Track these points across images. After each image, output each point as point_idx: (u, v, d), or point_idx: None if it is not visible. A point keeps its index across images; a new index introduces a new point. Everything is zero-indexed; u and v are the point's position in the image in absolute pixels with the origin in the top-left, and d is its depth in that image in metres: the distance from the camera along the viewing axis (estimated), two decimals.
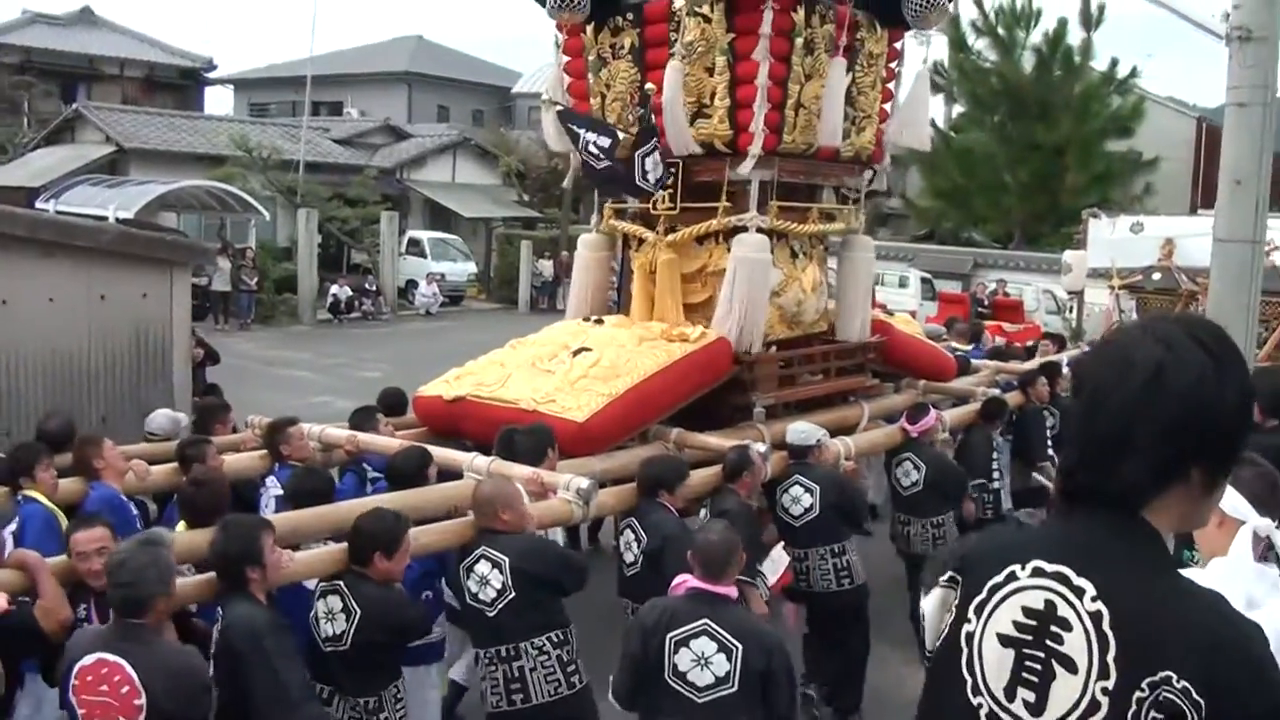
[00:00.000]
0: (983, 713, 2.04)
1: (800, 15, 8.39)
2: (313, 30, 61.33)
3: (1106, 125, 32.51)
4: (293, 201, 30.53)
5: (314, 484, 6.49)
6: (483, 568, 5.68)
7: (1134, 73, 33.22)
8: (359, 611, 5.24)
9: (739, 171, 8.53)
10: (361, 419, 7.98)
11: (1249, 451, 4.35)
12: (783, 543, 7.31)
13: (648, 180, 8.41)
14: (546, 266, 34.71)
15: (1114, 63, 32.83)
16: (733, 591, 5.13)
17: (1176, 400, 1.93)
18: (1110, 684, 1.89)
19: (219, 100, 51.47)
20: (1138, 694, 1.86)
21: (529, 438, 6.99)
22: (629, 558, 6.80)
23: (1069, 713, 1.93)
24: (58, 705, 4.64)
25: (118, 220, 19.49)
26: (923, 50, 11.09)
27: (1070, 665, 1.94)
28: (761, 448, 7.62)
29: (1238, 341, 7.81)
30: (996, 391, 10.62)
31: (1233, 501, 3.37)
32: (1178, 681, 1.83)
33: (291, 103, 43.30)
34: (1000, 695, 2.02)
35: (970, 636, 2.08)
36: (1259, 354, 13.13)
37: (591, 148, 8.33)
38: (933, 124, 21.70)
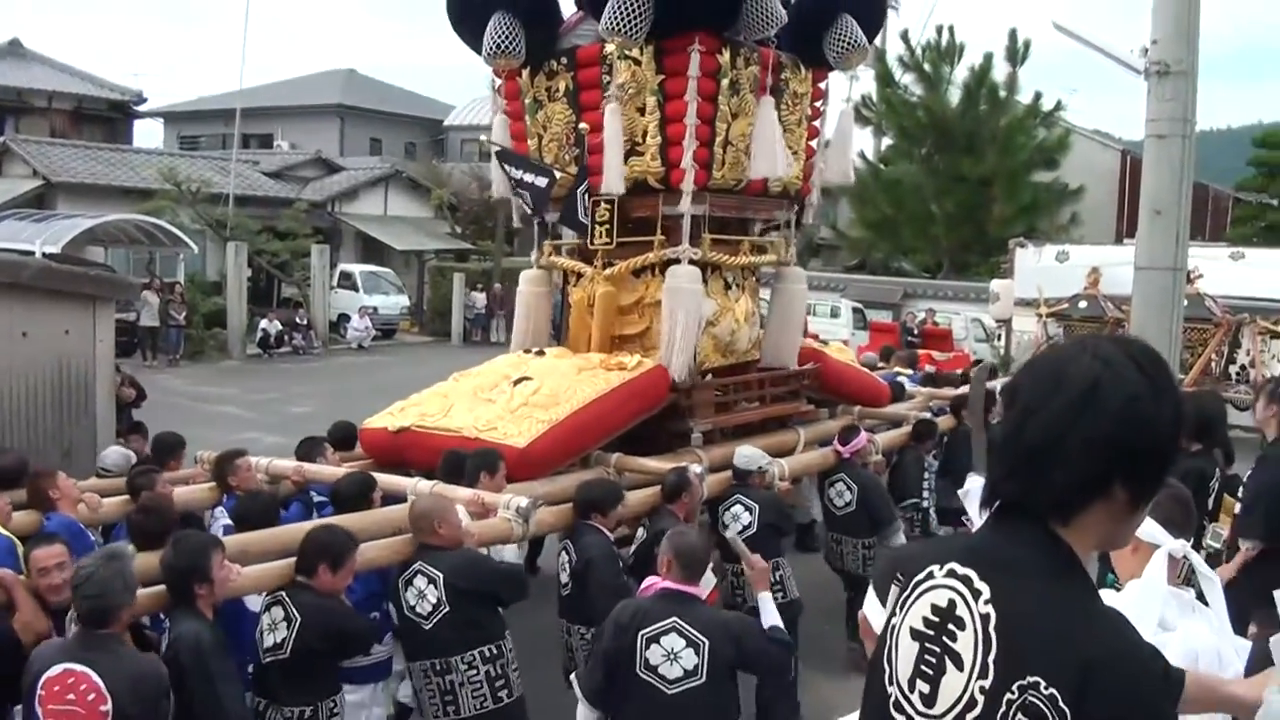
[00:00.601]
0: (890, 702, 2.11)
1: (725, 57, 8.65)
2: (243, 62, 61.11)
3: (1032, 157, 33.09)
4: (222, 235, 30.24)
5: (258, 507, 6.60)
6: (420, 582, 5.85)
7: (1059, 106, 33.90)
8: (299, 619, 5.35)
9: (673, 207, 8.77)
10: (309, 449, 8.13)
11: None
12: (712, 565, 7.47)
13: (588, 215, 8.78)
14: (480, 298, 34.63)
15: (1038, 96, 33.49)
16: (701, 592, 5.40)
17: (1110, 416, 1.97)
18: (987, 684, 1.94)
19: (148, 133, 51.03)
20: (1008, 695, 1.91)
21: (473, 460, 7.17)
22: (564, 578, 6.98)
23: (952, 707, 1.99)
24: None
25: (44, 255, 19.19)
26: (848, 87, 11.43)
27: (959, 662, 2.00)
28: (698, 469, 7.81)
29: None
30: (927, 415, 10.90)
31: (1146, 526, 3.37)
32: (1045, 688, 1.87)
33: (221, 135, 43.04)
34: (904, 685, 2.09)
35: (893, 629, 2.16)
36: (1184, 379, 13.38)
37: (527, 187, 8.63)
38: (862, 156, 22.04)
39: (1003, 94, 33.01)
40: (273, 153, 42.04)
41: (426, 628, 5.84)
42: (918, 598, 2.12)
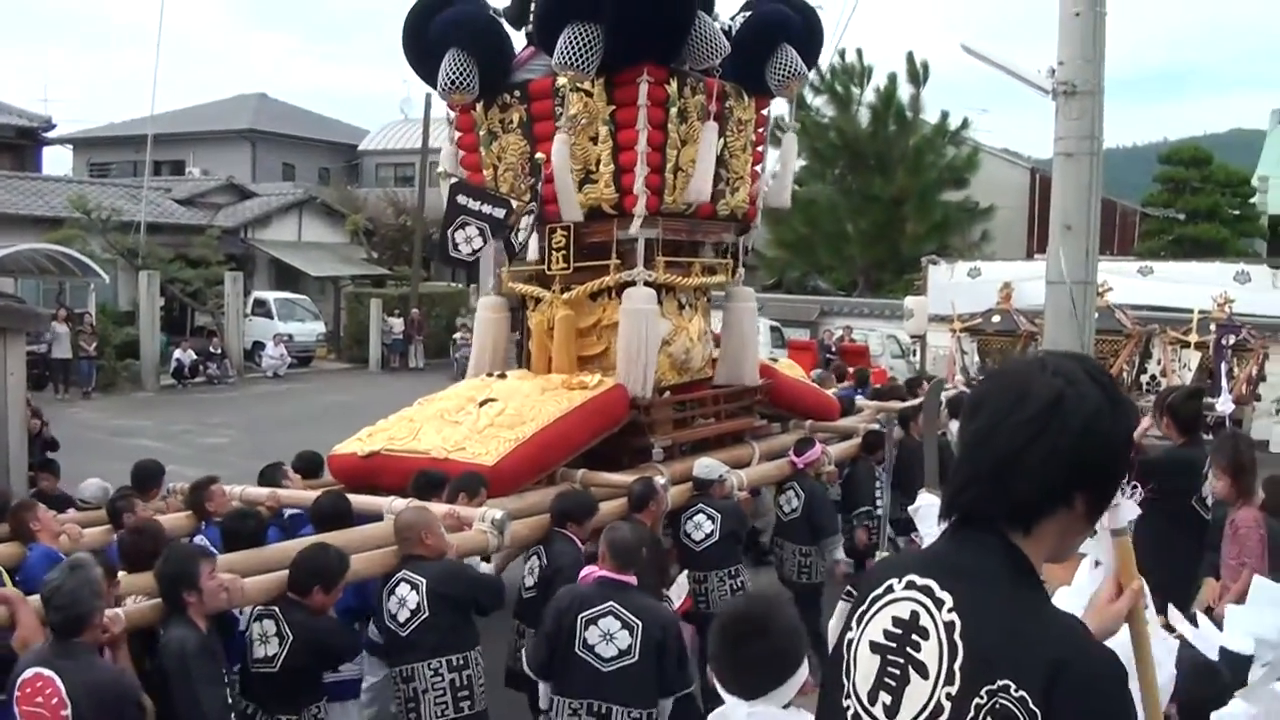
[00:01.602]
0: (849, 715, 2.14)
1: (673, 87, 8.98)
2: (154, 88, 60.23)
3: (941, 176, 33.63)
4: (134, 264, 29.82)
5: (248, 528, 6.75)
6: (402, 590, 6.08)
7: (965, 124, 34.45)
8: (291, 637, 5.62)
9: (627, 231, 9.09)
10: (271, 475, 8.32)
11: None
12: (685, 570, 7.80)
13: (516, 239, 8.97)
14: (397, 324, 34.35)
15: (944, 116, 34.04)
16: (634, 580, 5.86)
17: (1072, 431, 2.05)
18: (954, 690, 1.99)
19: (58, 160, 50.01)
20: (976, 700, 1.95)
21: (455, 484, 7.37)
22: (529, 581, 7.19)
23: (917, 715, 2.02)
24: None
25: None
26: (790, 114, 11.77)
27: (923, 671, 2.03)
28: (662, 480, 8.09)
29: None
30: (876, 425, 11.16)
31: None
32: (1016, 690, 1.92)
33: (132, 162, 42.37)
34: (865, 699, 2.12)
35: (850, 644, 2.19)
36: None
37: (485, 218, 8.84)
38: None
39: (909, 115, 33.50)
40: (184, 179, 41.48)
41: (403, 635, 6.04)
42: (877, 612, 2.16)
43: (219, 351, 30.33)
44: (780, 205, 11.44)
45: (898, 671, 2.08)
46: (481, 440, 8.11)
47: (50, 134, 40.06)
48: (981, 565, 2.09)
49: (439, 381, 30.68)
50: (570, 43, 8.45)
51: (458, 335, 33.35)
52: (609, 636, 5.67)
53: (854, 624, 2.20)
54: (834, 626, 2.38)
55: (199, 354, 29.71)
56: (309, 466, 9.06)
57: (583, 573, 6.11)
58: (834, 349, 25.67)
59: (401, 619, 6.05)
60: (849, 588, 2.26)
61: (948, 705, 1.99)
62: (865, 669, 2.14)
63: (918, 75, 33.21)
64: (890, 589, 2.15)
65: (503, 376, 9.36)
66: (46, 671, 4.58)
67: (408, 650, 6.04)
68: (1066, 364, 2.16)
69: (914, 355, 23.86)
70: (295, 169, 49.30)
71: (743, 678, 3.20)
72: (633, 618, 5.68)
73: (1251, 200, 36.87)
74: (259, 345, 32.34)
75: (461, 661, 6.06)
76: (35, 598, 5.19)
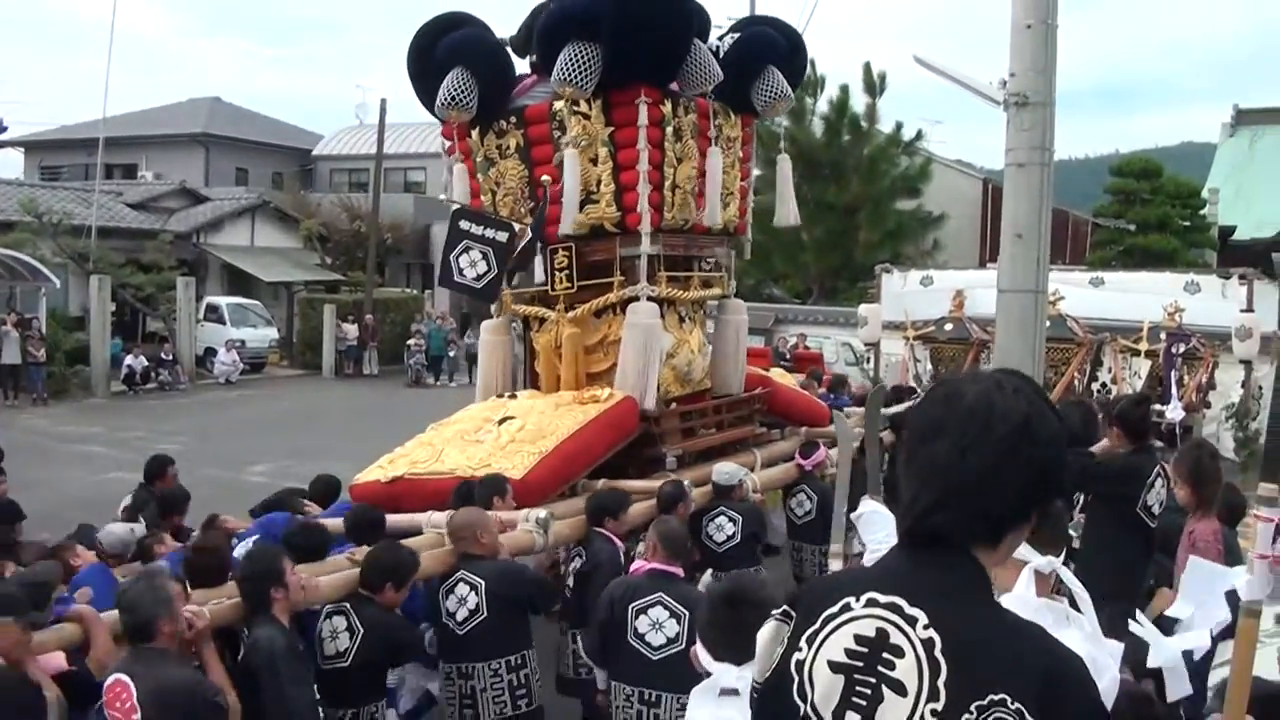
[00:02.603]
0: None
1: (668, 107, 9.25)
2: (106, 91, 59.79)
3: (895, 185, 33.81)
4: (85, 268, 29.54)
5: (313, 541, 6.74)
6: (461, 589, 6.38)
7: (919, 135, 34.65)
8: (362, 631, 5.93)
9: (631, 248, 9.33)
10: (289, 500, 8.33)
11: None
12: (710, 570, 7.99)
13: (531, 269, 9.40)
14: (351, 330, 34.18)
15: (899, 126, 34.19)
16: (681, 571, 6.30)
17: (1040, 449, 2.13)
18: (940, 705, 2.00)
19: (8, 163, 49.63)
20: (965, 716, 1.98)
21: (482, 487, 7.57)
22: (570, 582, 7.55)
23: None
24: None
25: None
26: (782, 136, 12.08)
27: (900, 689, 2.05)
28: (687, 483, 8.35)
29: None
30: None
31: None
32: (1012, 703, 1.96)
33: (84, 165, 41.99)
34: (828, 718, 2.12)
35: (801, 664, 2.18)
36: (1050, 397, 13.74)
37: (489, 243, 9.02)
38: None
39: (863, 125, 33.69)
40: (137, 183, 41.05)
41: (460, 633, 6.35)
42: (834, 631, 2.16)
43: (171, 358, 30.08)
44: (785, 224, 12.03)
45: (868, 690, 2.08)
46: (506, 456, 8.30)
47: (1, 137, 39.64)
48: (947, 581, 2.13)
49: (392, 388, 30.83)
50: (570, 61, 8.69)
51: (412, 341, 33.26)
52: (658, 625, 5.99)
53: (804, 644, 2.19)
54: (765, 647, 2.32)
55: (150, 360, 29.42)
56: (326, 491, 8.91)
57: (634, 565, 6.50)
58: (788, 356, 25.73)
59: (460, 617, 6.33)
60: (784, 607, 2.23)
61: None
62: (826, 689, 2.13)
63: (874, 85, 33.36)
64: (847, 607, 2.16)
65: (513, 397, 9.57)
66: (123, 676, 4.74)
67: (465, 648, 6.34)
68: (1021, 384, 2.23)
69: (868, 362, 23.93)
70: (249, 173, 48.98)
71: (735, 641, 3.39)
72: (680, 607, 5.96)
73: (1202, 212, 37.25)
74: (211, 351, 32.13)
75: (520, 661, 6.42)
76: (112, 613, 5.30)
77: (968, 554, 2.15)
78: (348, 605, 6.00)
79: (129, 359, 28.81)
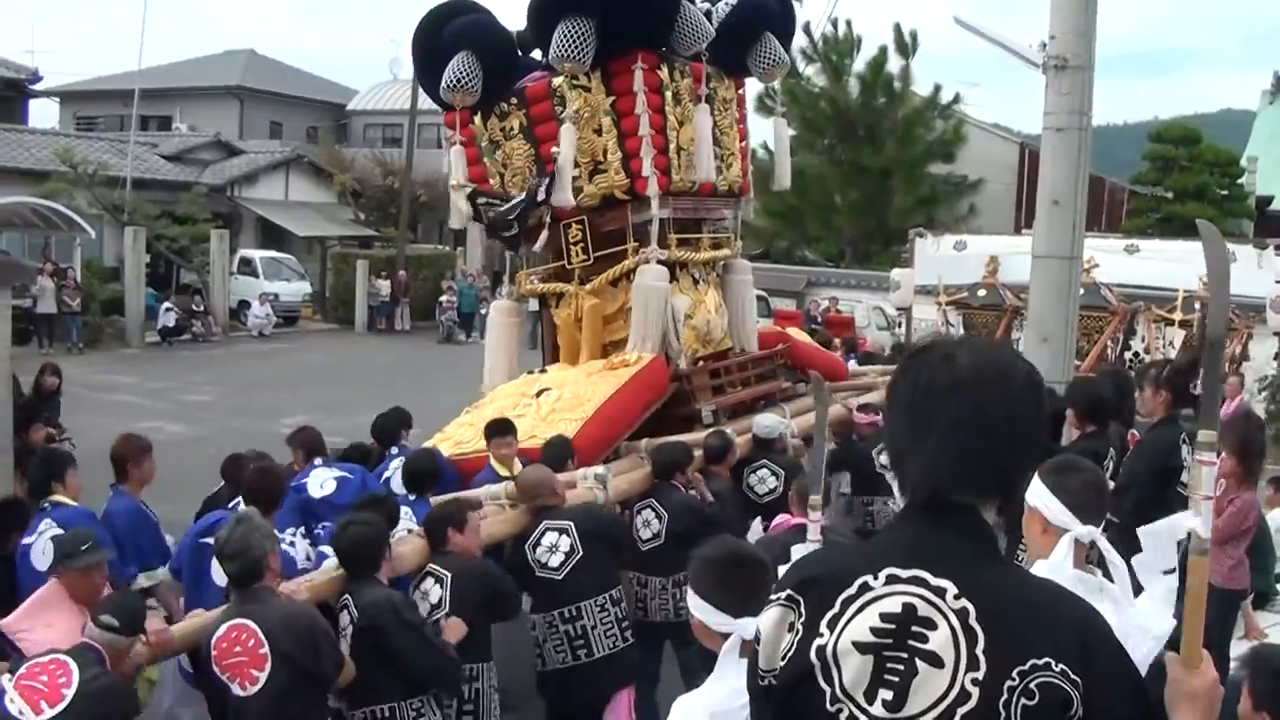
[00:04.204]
0: (843, 717, 2.09)
1: (665, 72, 9.35)
2: (141, 41, 59.47)
3: (930, 149, 33.62)
4: (120, 220, 29.66)
5: (430, 465, 7.34)
6: (549, 538, 6.54)
7: (957, 99, 34.38)
8: (449, 575, 5.91)
9: (642, 214, 9.38)
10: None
11: (1075, 456, 4.57)
12: (758, 518, 7.96)
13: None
14: (384, 286, 34.29)
15: (936, 89, 33.98)
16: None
17: (1043, 403, 2.20)
18: (980, 674, 1.99)
19: (44, 113, 49.57)
20: (1008, 682, 1.98)
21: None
22: (646, 534, 7.59)
23: (934, 705, 2.02)
24: None
25: None
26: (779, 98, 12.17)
27: (936, 661, 2.03)
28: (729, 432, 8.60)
29: (1059, 353, 8.16)
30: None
31: (1055, 511, 3.54)
32: (1056, 665, 1.97)
33: (119, 117, 42.07)
34: (861, 699, 2.08)
35: (823, 650, 2.12)
36: (1080, 366, 13.66)
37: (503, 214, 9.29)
38: (765, 147, 22.21)
39: (898, 86, 33.46)
40: (171, 135, 41.05)
41: (559, 578, 6.46)
42: (856, 613, 2.11)
43: (204, 310, 30.25)
44: (780, 187, 12.04)
45: (900, 666, 2.05)
46: (548, 426, 8.37)
47: (37, 86, 39.74)
48: (965, 547, 2.12)
49: (424, 344, 30.92)
50: (565, 37, 8.76)
51: (444, 298, 33.32)
52: None
53: (824, 629, 2.13)
54: (771, 633, 2.24)
55: (183, 311, 29.62)
56: (398, 422, 8.88)
57: (776, 520, 6.58)
58: (820, 319, 25.70)
59: (556, 563, 6.45)
60: (788, 592, 2.13)
61: (975, 691, 1.99)
62: (855, 670, 2.09)
63: (905, 46, 33.15)
64: (866, 587, 2.12)
65: (543, 372, 9.66)
66: (238, 620, 4.83)
67: (568, 591, 6.43)
68: (992, 340, 2.25)
69: (899, 327, 23.86)
70: (283, 127, 48.97)
71: (752, 604, 3.22)
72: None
73: (1239, 181, 36.94)
74: (244, 304, 32.29)
75: (618, 594, 6.65)
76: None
77: (979, 515, 2.15)
78: (431, 564, 6.01)
79: (163, 310, 29.01)
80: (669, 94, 9.36)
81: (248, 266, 33.68)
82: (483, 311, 33.87)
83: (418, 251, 37.80)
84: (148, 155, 35.10)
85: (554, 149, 9.26)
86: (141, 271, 28.66)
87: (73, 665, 4.44)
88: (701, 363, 9.93)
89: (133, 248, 28.46)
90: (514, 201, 9.25)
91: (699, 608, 3.38)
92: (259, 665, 4.77)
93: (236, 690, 4.83)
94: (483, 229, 9.62)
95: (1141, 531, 3.21)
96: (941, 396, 2.16)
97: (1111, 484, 7.48)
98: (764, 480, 8.57)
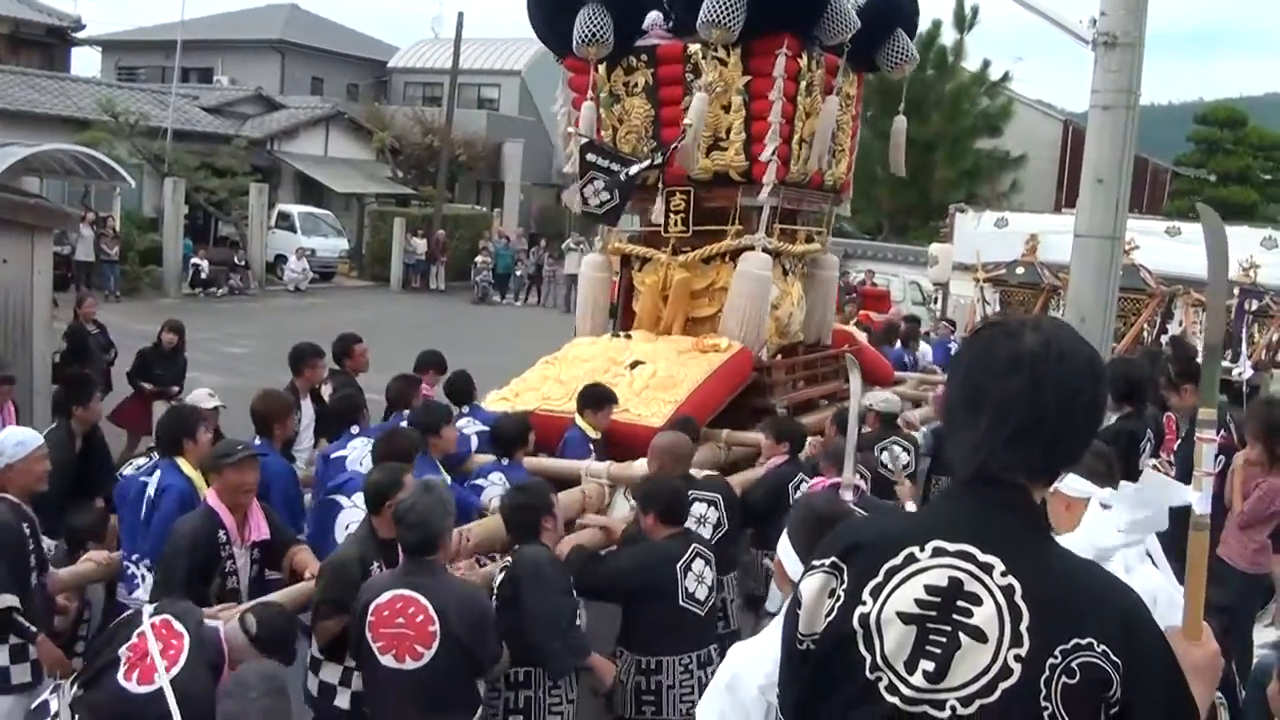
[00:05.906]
0: (882, 685, 2.10)
1: (805, 60, 9.34)
2: None
3: (976, 123, 33.37)
4: (159, 170, 29.78)
5: (521, 429, 7.37)
6: (699, 508, 6.44)
7: (1006, 76, 34.11)
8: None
9: (752, 198, 9.36)
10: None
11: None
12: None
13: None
14: (420, 244, 34.41)
15: (986, 64, 33.72)
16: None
17: (1102, 386, 2.20)
18: (1023, 651, 2.01)
19: (86, 62, 49.68)
20: (1050, 660, 1.99)
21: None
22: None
23: (975, 679, 2.03)
24: None
25: None
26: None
27: (980, 635, 2.04)
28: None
29: (1097, 334, 8.08)
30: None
31: (1073, 484, 3.68)
32: (1098, 645, 1.99)
33: (161, 68, 42.08)
34: (901, 669, 2.09)
35: (865, 618, 2.14)
36: (1117, 348, 13.60)
37: (613, 175, 8.99)
38: None
39: (950, 59, 33.22)
40: (212, 88, 41.20)
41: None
42: (901, 583, 2.12)
43: (242, 262, 30.40)
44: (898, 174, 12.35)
45: (944, 639, 2.07)
46: (643, 402, 8.39)
47: (79, 34, 39.87)
48: (1015, 525, 2.13)
49: (459, 304, 30.99)
50: (719, 2, 8.62)
51: (479, 258, 33.39)
52: None
53: (867, 597, 2.14)
54: (812, 599, 2.25)
55: (218, 263, 29.76)
56: (467, 387, 8.80)
57: (813, 481, 6.36)
58: (854, 292, 25.61)
59: (705, 535, 6.23)
60: (833, 559, 2.13)
61: (1018, 667, 2.01)
62: (897, 640, 2.10)
63: (964, 20, 32.88)
64: (912, 558, 2.13)
65: (628, 336, 9.58)
66: (406, 591, 4.73)
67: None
68: (1070, 328, 2.29)
69: (935, 303, 23.78)
70: (324, 83, 48.93)
71: None
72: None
73: None
74: (281, 258, 32.47)
75: (740, 573, 6.76)
76: None
77: (1029, 496, 2.15)
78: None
79: (195, 260, 29.19)
80: (804, 83, 9.35)
81: (285, 221, 33.82)
82: (517, 273, 33.96)
83: (455, 211, 37.84)
84: (188, 107, 35.18)
85: (685, 118, 9.09)
86: (180, 223, 28.81)
87: (187, 638, 4.41)
88: (780, 356, 9.94)
89: (171, 199, 28.59)
90: (639, 165, 8.99)
91: (787, 554, 3.41)
92: (425, 642, 4.66)
93: (388, 661, 4.70)
94: (579, 196, 9.16)
95: (1146, 475, 3.25)
96: (999, 374, 2.17)
97: (1152, 463, 7.53)
98: (897, 458, 8.30)
